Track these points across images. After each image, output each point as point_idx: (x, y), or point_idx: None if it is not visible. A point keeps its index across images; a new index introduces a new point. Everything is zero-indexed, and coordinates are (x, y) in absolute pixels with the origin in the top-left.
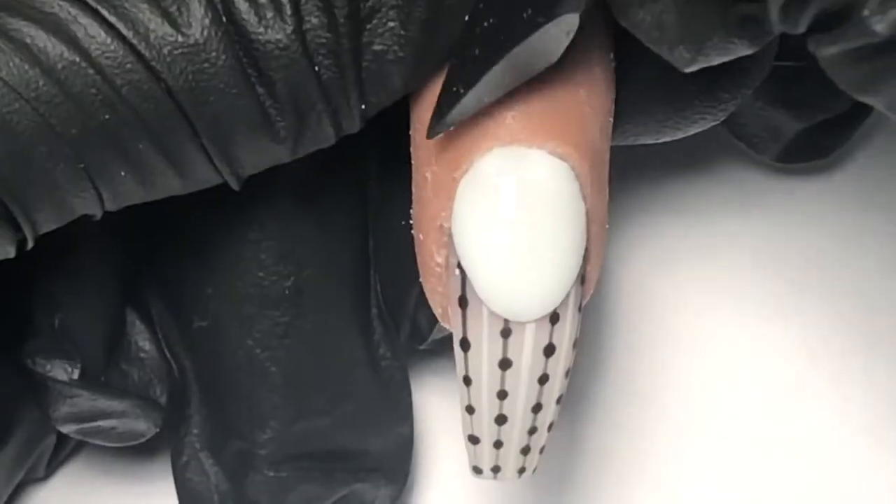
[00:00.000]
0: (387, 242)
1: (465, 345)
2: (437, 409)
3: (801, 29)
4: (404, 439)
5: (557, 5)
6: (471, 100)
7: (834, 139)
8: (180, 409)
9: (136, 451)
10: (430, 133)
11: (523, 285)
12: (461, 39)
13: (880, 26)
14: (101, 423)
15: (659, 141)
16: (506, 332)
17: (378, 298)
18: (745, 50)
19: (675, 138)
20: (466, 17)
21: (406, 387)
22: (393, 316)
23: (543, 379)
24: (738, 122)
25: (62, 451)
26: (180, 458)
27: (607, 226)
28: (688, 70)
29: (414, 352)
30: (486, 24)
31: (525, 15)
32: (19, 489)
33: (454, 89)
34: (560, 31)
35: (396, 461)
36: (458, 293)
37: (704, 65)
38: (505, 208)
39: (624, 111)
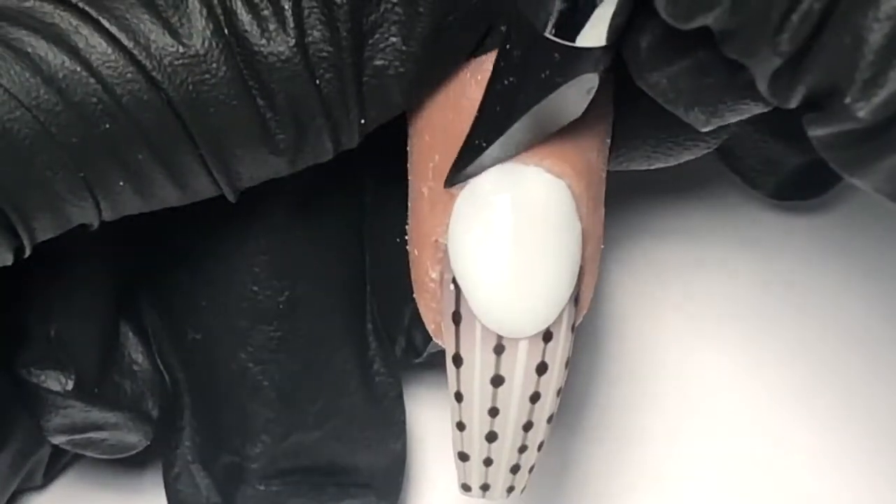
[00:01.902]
0: (382, 258)
1: (457, 360)
2: (431, 424)
3: (792, 105)
4: (397, 456)
5: (575, 66)
6: (491, 154)
7: (832, 176)
8: (172, 421)
9: (131, 462)
10: (449, 182)
11: (517, 302)
12: (484, 96)
13: (863, 112)
14: (93, 434)
15: (652, 167)
16: (499, 349)
17: (373, 314)
18: (759, 109)
19: (667, 165)
20: (490, 74)
21: (400, 403)
22: (388, 331)
23: (535, 397)
24: (736, 155)
25: (60, 461)
26: (172, 469)
27: (602, 246)
28: (704, 130)
29: (409, 365)
30: (506, 81)
31: (543, 75)
32: (15, 497)
33: (476, 142)
34: (580, 90)
35: (388, 477)
36: (451, 309)
37: (720, 124)
38: (501, 225)
39: (618, 135)
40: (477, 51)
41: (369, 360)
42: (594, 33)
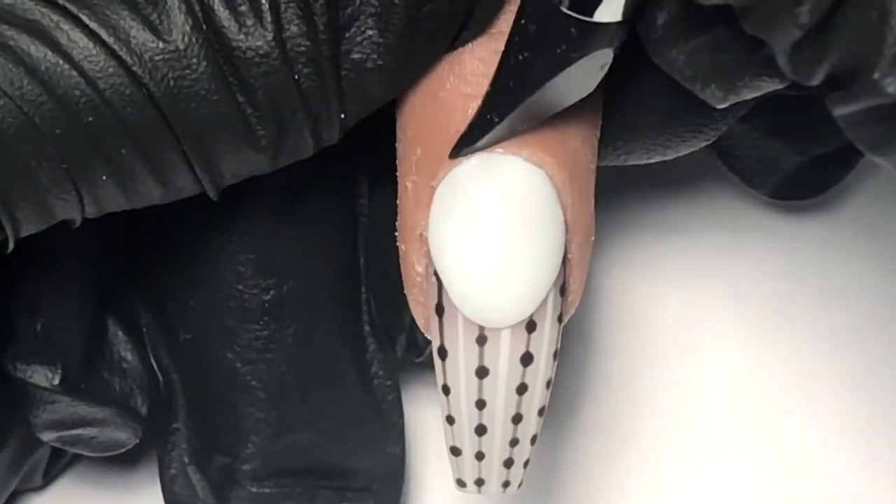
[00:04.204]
0: (380, 257)
1: (442, 353)
2: (431, 424)
3: (815, 82)
4: (395, 460)
5: (591, 41)
6: (504, 128)
7: (830, 175)
8: (168, 423)
9: (130, 463)
10: (455, 153)
11: (496, 292)
12: (497, 71)
13: (892, 88)
14: (82, 431)
15: (651, 161)
16: (481, 340)
17: (371, 314)
18: (775, 86)
19: (665, 158)
20: (503, 49)
21: (398, 407)
22: (388, 330)
23: (522, 389)
24: (734, 154)
25: (59, 461)
26: (168, 471)
27: (593, 238)
28: (720, 107)
29: (409, 364)
30: (520, 56)
31: (559, 50)
32: (15, 497)
33: (488, 117)
34: (594, 66)
35: (387, 482)
36: (435, 301)
37: (736, 101)
38: (478, 215)
39: (615, 127)
40: (454, 43)
41: (367, 361)
42: (611, 8)
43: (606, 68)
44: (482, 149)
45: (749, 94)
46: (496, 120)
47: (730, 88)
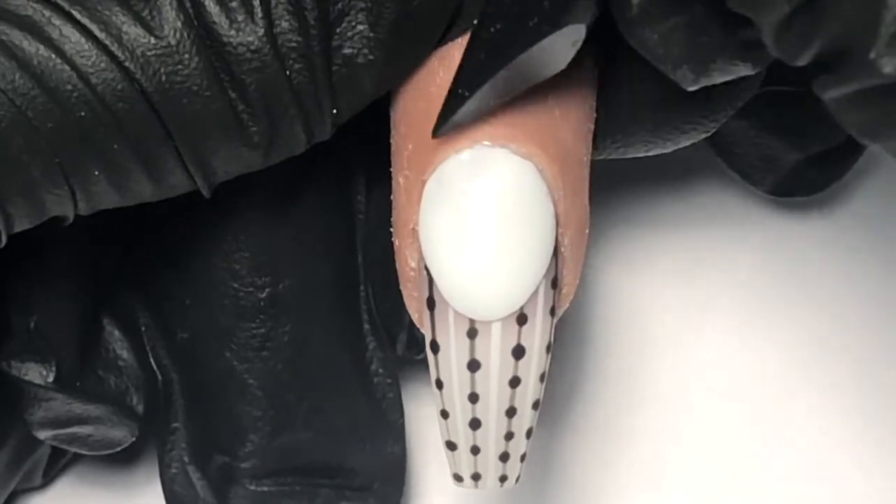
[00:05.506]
0: (379, 254)
1: (434, 347)
2: (431, 423)
3: (802, 62)
4: (396, 459)
5: (564, 15)
6: (475, 103)
7: (830, 173)
8: (167, 422)
9: (130, 463)
10: (435, 133)
11: (485, 285)
12: (469, 43)
13: (889, 68)
14: (77, 429)
15: (649, 154)
16: (472, 333)
17: (371, 312)
18: (747, 71)
19: (665, 151)
20: (475, 21)
21: (399, 406)
22: (388, 328)
23: (515, 382)
24: (734, 152)
25: (59, 461)
26: (168, 470)
27: (588, 231)
28: (690, 89)
29: (410, 362)
30: (492, 29)
31: (531, 23)
32: (15, 497)
33: (459, 91)
34: (566, 41)
35: (388, 481)
36: (426, 294)
37: (707, 84)
38: (466, 209)
39: (613, 119)
40: (444, 38)
41: (367, 359)
42: None
43: (578, 45)
44: (458, 124)
45: (720, 78)
46: (467, 94)
47: (702, 71)
